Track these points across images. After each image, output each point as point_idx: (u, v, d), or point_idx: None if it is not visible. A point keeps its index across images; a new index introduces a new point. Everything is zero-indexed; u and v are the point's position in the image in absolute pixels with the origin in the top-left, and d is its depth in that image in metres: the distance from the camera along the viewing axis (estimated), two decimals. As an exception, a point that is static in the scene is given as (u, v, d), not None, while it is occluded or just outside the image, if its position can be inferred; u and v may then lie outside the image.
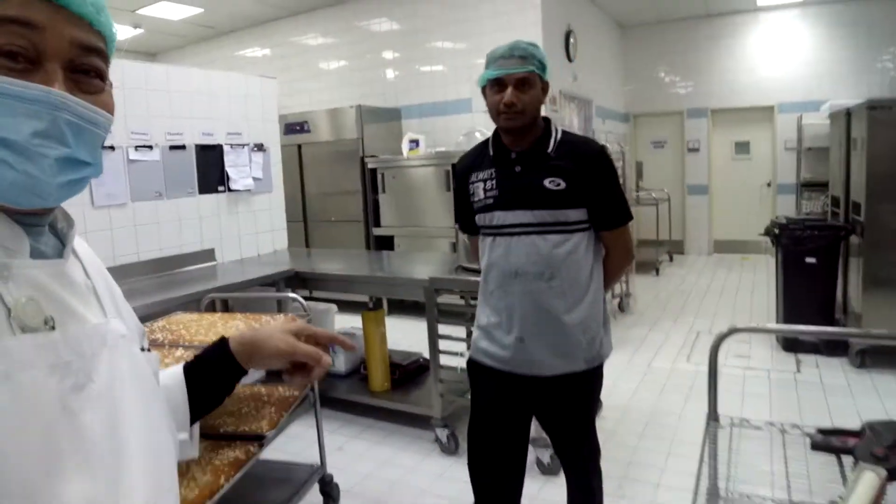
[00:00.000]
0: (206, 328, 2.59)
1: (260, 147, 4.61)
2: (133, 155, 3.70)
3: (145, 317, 3.00)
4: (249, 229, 4.60)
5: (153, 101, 3.84)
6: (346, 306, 5.29)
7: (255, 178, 4.57)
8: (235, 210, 4.48)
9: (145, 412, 0.75)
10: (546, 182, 1.90)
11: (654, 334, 5.45)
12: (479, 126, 6.54)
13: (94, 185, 3.49)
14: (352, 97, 7.23)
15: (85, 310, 0.71)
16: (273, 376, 2.76)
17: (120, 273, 3.69)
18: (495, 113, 1.92)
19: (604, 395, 3.98)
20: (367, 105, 6.71)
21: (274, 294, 3.77)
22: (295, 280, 3.97)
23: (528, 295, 1.96)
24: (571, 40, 7.08)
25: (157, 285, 3.58)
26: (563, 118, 6.95)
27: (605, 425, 3.66)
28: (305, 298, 5.04)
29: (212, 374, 1.01)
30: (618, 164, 6.20)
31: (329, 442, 3.35)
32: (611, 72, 8.98)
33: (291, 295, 2.83)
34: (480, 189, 2.02)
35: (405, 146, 6.23)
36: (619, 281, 3.21)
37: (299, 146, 6.81)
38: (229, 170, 4.35)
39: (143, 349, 0.83)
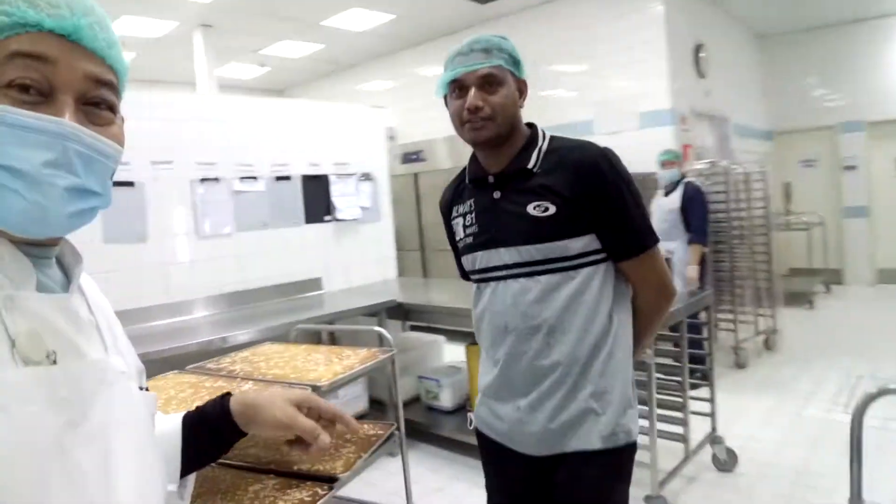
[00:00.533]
0: (287, 361, 2.45)
1: (367, 176, 4.53)
2: (237, 186, 3.72)
3: (234, 347, 2.94)
4: (357, 259, 4.52)
5: (259, 133, 3.86)
6: (456, 336, 5.08)
7: (362, 208, 4.48)
8: (342, 239, 4.40)
9: (138, 454, 0.74)
10: (530, 208, 1.46)
11: (806, 377, 4.76)
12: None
13: (198, 216, 3.55)
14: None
15: (87, 345, 0.71)
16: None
17: (223, 302, 3.70)
18: (459, 123, 1.50)
19: (741, 446, 3.50)
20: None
21: (357, 327, 3.63)
22: (398, 311, 3.81)
23: (522, 356, 1.52)
24: (702, 55, 6.57)
25: (256, 315, 3.54)
26: (695, 138, 6.42)
27: (742, 483, 3.15)
28: (414, 329, 4.97)
29: (208, 431, 0.97)
30: (757, 187, 5.59)
31: (429, 481, 3.12)
32: (749, 86, 8.28)
33: (376, 329, 2.64)
34: (461, 226, 1.62)
35: (521, 172, 5.97)
36: (663, 327, 2.62)
37: (415, 175, 6.75)
38: (335, 199, 4.29)
39: (141, 388, 0.82)
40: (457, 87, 1.48)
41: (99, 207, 0.70)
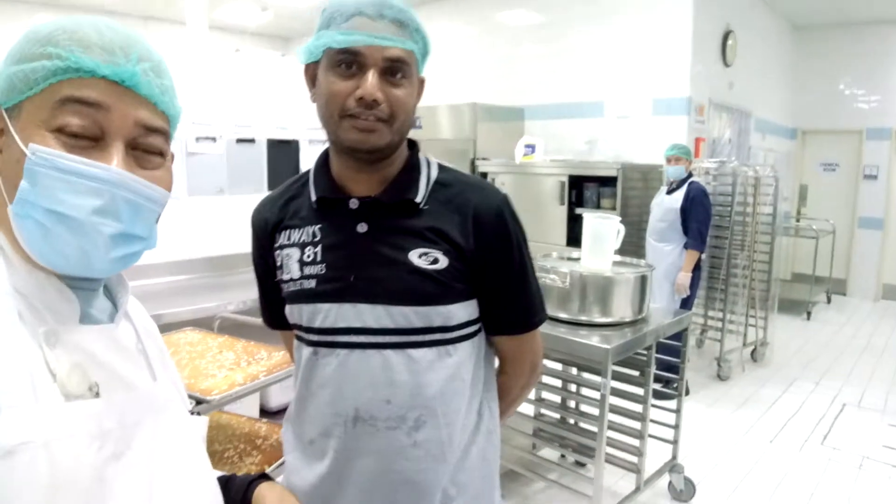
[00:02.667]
0: (192, 358, 2.24)
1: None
2: (192, 147, 3.46)
3: (163, 326, 2.74)
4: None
5: (221, 88, 3.57)
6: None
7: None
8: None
9: (188, 478, 0.75)
10: (413, 256, 1.11)
11: (789, 399, 4.52)
12: (608, 134, 5.84)
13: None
14: (473, 93, 6.75)
15: (133, 375, 0.73)
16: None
17: (164, 271, 3.47)
18: (336, 113, 1.06)
19: (703, 475, 3.31)
20: (485, 103, 6.20)
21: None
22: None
23: (376, 459, 1.13)
24: (730, 42, 6.16)
25: (199, 289, 3.32)
26: (711, 131, 6.06)
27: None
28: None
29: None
30: (768, 192, 5.26)
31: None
32: (777, 80, 7.83)
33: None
34: (294, 262, 1.16)
35: (518, 150, 5.67)
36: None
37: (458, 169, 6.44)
38: (306, 167, 4.01)
39: (192, 413, 0.83)
40: (346, 62, 1.04)
41: (144, 250, 0.72)
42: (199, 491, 0.77)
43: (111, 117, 0.66)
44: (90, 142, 0.65)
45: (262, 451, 2.15)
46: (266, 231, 1.23)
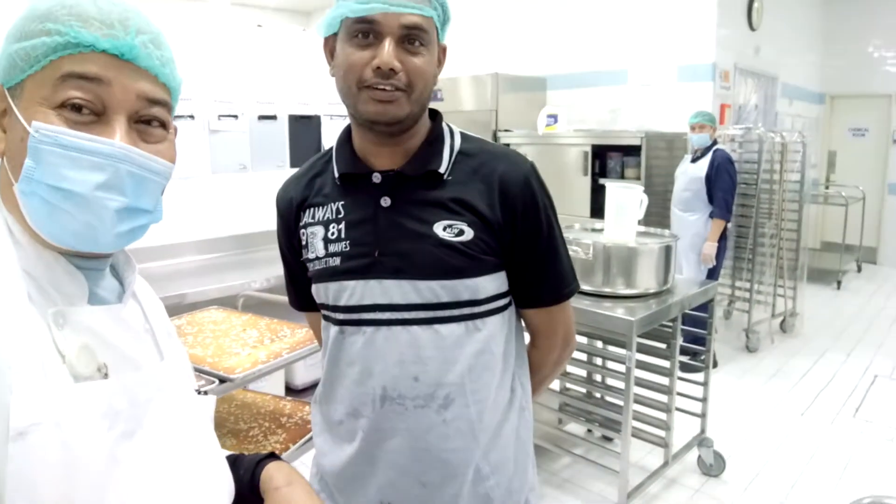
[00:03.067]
0: (217, 336, 2.25)
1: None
2: (215, 125, 3.44)
3: (190, 305, 2.76)
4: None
5: (241, 65, 3.55)
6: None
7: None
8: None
9: (196, 457, 0.75)
10: (438, 228, 1.07)
11: (819, 370, 4.45)
12: (631, 103, 5.73)
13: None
14: (495, 64, 6.65)
15: (141, 354, 0.73)
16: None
17: (192, 249, 3.48)
18: (354, 84, 1.02)
19: (733, 447, 3.28)
20: (507, 73, 6.11)
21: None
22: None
23: (406, 438, 1.11)
24: (756, 5, 5.98)
25: (226, 266, 3.33)
26: (737, 97, 5.91)
27: (725, 492, 2.91)
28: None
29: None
30: (796, 158, 5.13)
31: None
32: (805, 44, 7.60)
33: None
34: (318, 239, 1.14)
35: (541, 121, 5.58)
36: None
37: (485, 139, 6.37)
38: (328, 143, 3.99)
39: (198, 392, 0.83)
40: (363, 31, 1.00)
41: (150, 223, 0.72)
42: (208, 469, 0.77)
43: (112, 91, 0.66)
44: (93, 117, 0.65)
45: (286, 430, 2.16)
46: (291, 210, 1.21)
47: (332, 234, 1.13)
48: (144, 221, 0.70)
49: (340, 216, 1.13)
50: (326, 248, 1.14)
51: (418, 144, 1.12)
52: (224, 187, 3.70)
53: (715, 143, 4.42)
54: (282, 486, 0.85)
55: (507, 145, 5.72)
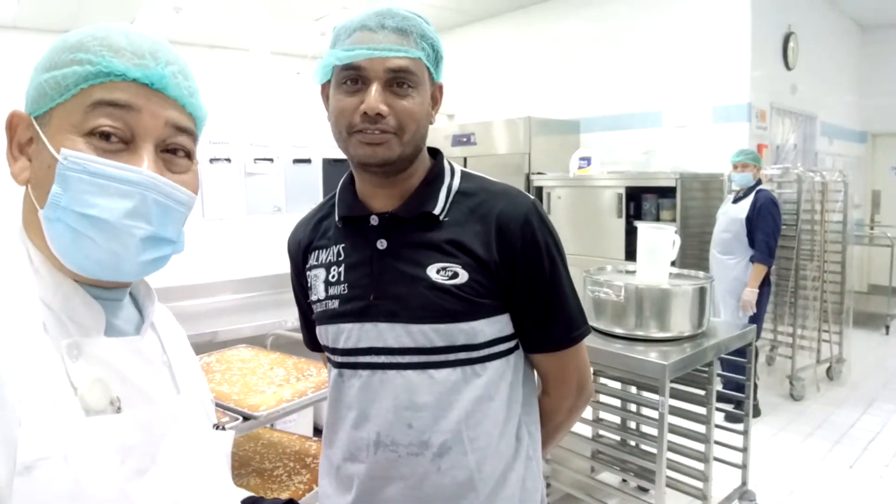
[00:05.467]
0: (244, 374, 2.25)
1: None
2: (251, 168, 3.52)
3: (222, 343, 2.78)
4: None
5: (279, 111, 3.63)
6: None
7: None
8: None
9: (210, 494, 0.74)
10: (432, 271, 1.06)
11: (868, 420, 4.24)
12: (666, 144, 5.68)
13: (205, 197, 3.36)
14: (528, 107, 6.69)
15: (157, 388, 0.72)
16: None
17: (228, 289, 3.53)
18: (345, 130, 1.04)
19: (776, 501, 3.11)
20: (539, 116, 6.13)
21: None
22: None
23: (401, 487, 1.07)
24: (791, 44, 5.93)
25: (259, 306, 3.36)
26: (775, 137, 5.82)
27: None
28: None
29: None
30: (837, 198, 5.00)
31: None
32: (844, 82, 7.47)
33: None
34: (320, 282, 1.15)
35: (573, 164, 5.56)
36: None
37: (465, 159, 6.42)
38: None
39: (216, 427, 0.82)
40: (351, 77, 1.02)
41: (173, 254, 0.72)
42: None
43: (141, 118, 0.67)
44: (121, 145, 0.66)
45: (311, 470, 2.12)
46: (299, 252, 1.23)
47: (333, 276, 1.14)
48: (168, 251, 0.71)
49: (340, 259, 1.14)
50: (327, 290, 1.14)
51: (415, 185, 1.12)
52: (258, 228, 3.75)
53: (759, 182, 4.28)
54: None
55: (540, 189, 5.74)
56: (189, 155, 0.73)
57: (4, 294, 0.65)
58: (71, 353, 0.64)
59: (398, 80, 1.02)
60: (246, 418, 1.87)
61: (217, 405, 1.92)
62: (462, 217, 1.09)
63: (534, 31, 7.01)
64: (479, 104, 7.44)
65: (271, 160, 3.60)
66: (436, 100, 1.12)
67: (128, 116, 0.66)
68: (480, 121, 6.47)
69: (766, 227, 4.11)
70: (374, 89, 1.00)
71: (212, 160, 3.39)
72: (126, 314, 0.75)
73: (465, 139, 6.40)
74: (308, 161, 3.77)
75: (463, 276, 1.05)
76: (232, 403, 1.93)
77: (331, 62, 1.04)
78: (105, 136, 0.65)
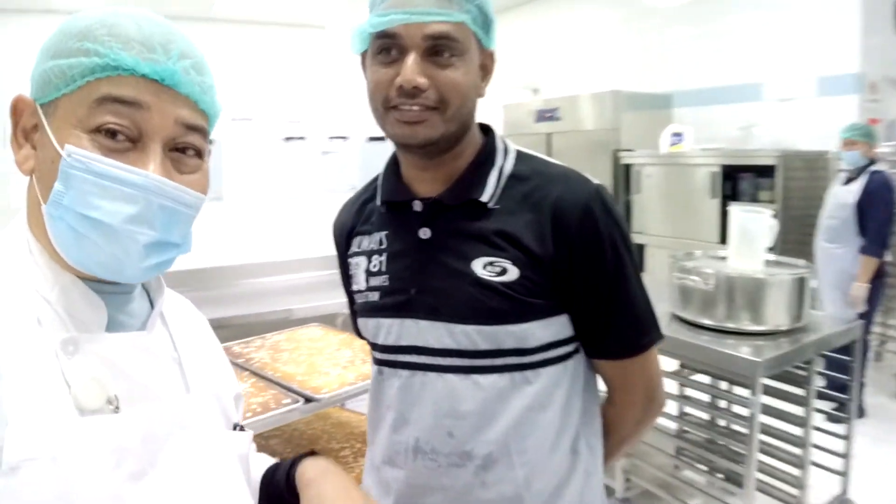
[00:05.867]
0: (311, 354, 2.26)
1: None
2: (325, 146, 3.50)
3: (298, 320, 2.80)
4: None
5: (356, 89, 3.60)
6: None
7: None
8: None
9: (219, 499, 0.69)
10: (477, 266, 0.94)
11: None
12: (766, 119, 5.30)
13: (280, 176, 3.37)
14: (617, 81, 6.40)
15: (163, 386, 0.69)
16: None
17: (304, 266, 3.55)
18: (381, 106, 0.93)
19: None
20: (628, 90, 5.85)
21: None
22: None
23: (442, 499, 0.98)
24: (910, 8, 5.37)
25: (328, 284, 3.35)
26: (887, 111, 5.31)
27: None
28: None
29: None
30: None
31: None
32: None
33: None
34: (361, 271, 1.06)
35: (665, 140, 5.28)
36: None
37: (548, 135, 6.22)
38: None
39: (235, 426, 0.79)
40: (385, 47, 0.91)
41: (176, 256, 0.69)
42: None
43: (150, 116, 0.63)
44: (128, 144, 0.63)
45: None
46: (343, 236, 1.15)
47: (374, 266, 1.05)
48: (172, 255, 0.68)
49: (383, 247, 1.05)
50: (367, 281, 1.05)
51: (463, 167, 1.00)
52: (335, 206, 3.75)
53: (872, 162, 3.81)
54: (314, 477, 0.79)
55: (629, 166, 5.49)
56: (199, 153, 0.69)
57: None
58: (66, 349, 0.62)
59: (439, 49, 0.90)
60: (308, 400, 1.87)
61: (280, 386, 1.93)
62: (514, 205, 0.97)
63: (622, 1, 6.68)
64: (565, 78, 7.19)
65: (346, 138, 3.57)
66: (486, 70, 0.99)
67: (136, 114, 0.63)
68: (566, 95, 6.25)
69: (878, 214, 3.67)
70: (411, 59, 0.89)
71: (287, 139, 3.39)
72: (135, 307, 0.72)
73: (549, 114, 6.21)
74: (383, 139, 3.72)
75: (512, 273, 0.94)
76: (295, 385, 1.94)
77: (365, 29, 0.93)
78: (111, 133, 0.62)
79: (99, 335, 0.66)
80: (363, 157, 3.69)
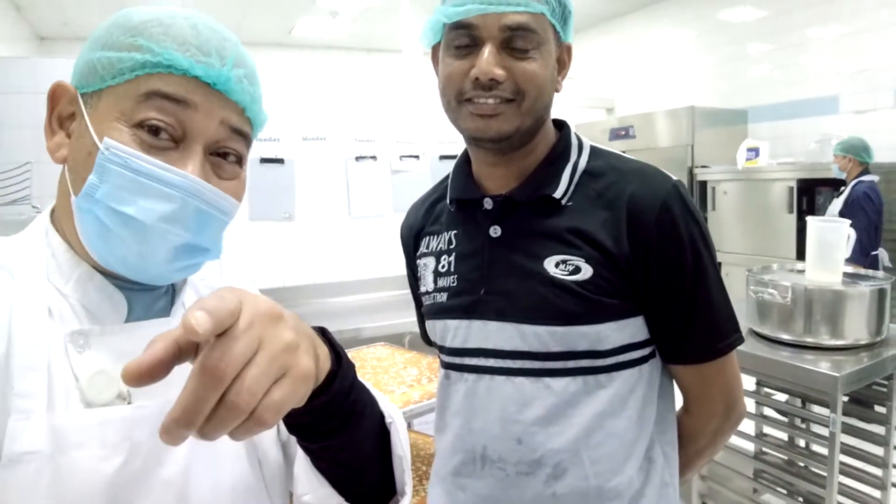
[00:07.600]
0: (377, 372, 2.25)
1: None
2: (396, 165, 3.58)
3: (366, 339, 2.84)
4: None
5: (428, 109, 3.66)
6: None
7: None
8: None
9: (230, 496, 0.66)
10: (549, 264, 0.91)
11: None
12: (843, 131, 5.10)
13: (351, 195, 3.46)
14: (691, 97, 6.30)
15: (184, 377, 0.59)
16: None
17: (373, 287, 3.60)
18: (454, 98, 0.91)
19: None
20: (703, 106, 5.75)
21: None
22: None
23: None
24: None
25: (398, 303, 3.41)
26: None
27: None
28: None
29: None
30: None
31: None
32: None
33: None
34: (430, 272, 1.04)
35: (741, 155, 5.15)
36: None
37: (623, 153, 6.16)
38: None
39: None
40: (460, 38, 0.88)
41: (204, 261, 0.67)
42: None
43: (196, 116, 0.62)
44: (170, 143, 0.61)
45: (441, 478, 2.09)
46: (410, 238, 1.14)
47: (443, 266, 1.02)
48: (200, 260, 0.66)
49: (452, 247, 1.02)
50: (436, 281, 1.03)
51: (536, 163, 0.98)
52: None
53: (862, 174, 3.89)
54: None
55: (704, 183, 5.37)
56: (240, 161, 0.68)
57: (11, 278, 0.62)
58: (76, 341, 0.60)
59: (515, 40, 0.87)
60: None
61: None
62: (587, 202, 0.94)
63: (696, 16, 6.61)
64: (640, 95, 7.15)
65: (417, 157, 3.64)
66: (563, 63, 0.97)
67: (182, 113, 0.61)
68: (640, 112, 6.20)
69: (858, 224, 3.65)
70: (488, 50, 0.86)
71: (357, 158, 3.49)
72: (155, 301, 0.69)
73: (623, 132, 6.18)
74: (454, 157, 3.78)
75: (586, 272, 0.90)
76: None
77: (439, 20, 0.90)
78: (154, 130, 0.60)
79: (115, 327, 0.64)
80: (434, 175, 3.74)
